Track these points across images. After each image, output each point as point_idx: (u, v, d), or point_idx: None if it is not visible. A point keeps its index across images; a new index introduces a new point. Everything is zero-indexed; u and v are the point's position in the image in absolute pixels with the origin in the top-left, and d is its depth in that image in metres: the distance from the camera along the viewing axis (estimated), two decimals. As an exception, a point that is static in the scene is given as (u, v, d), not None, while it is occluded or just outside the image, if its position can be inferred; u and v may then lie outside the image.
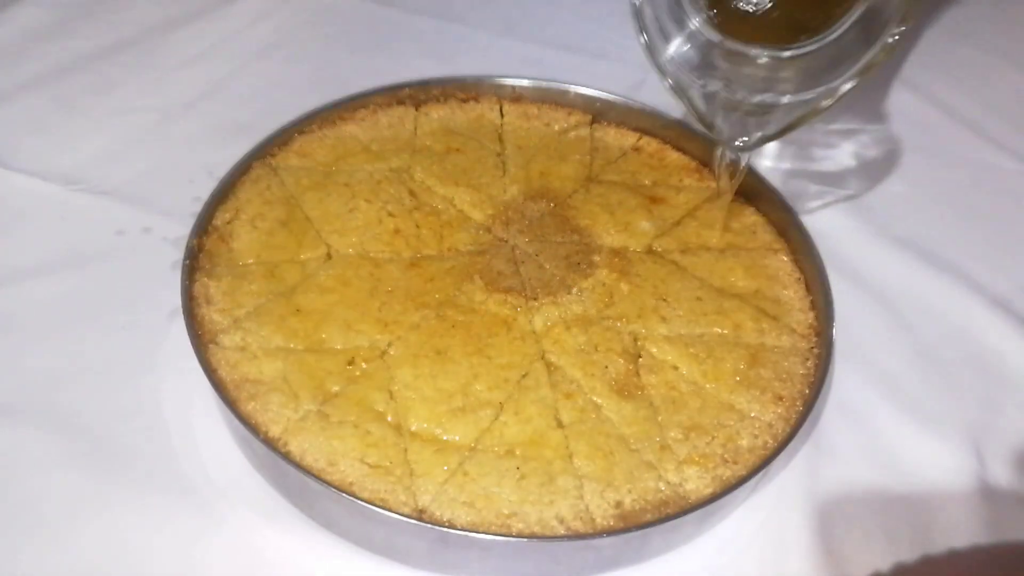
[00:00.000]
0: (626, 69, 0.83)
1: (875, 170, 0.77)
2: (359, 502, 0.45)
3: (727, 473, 0.50)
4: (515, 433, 0.50)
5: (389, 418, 0.50)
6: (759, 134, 0.56)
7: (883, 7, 0.50)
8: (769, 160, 0.76)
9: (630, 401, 0.52)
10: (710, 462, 0.50)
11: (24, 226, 0.65)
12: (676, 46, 0.55)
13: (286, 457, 0.47)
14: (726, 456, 0.50)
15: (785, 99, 0.54)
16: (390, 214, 0.61)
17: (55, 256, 0.63)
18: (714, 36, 0.54)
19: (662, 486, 0.49)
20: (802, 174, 0.76)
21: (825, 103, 0.52)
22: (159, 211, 0.66)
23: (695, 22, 0.54)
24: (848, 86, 0.50)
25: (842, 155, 0.78)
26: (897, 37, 0.48)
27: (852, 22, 0.51)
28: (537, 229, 0.62)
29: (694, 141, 0.68)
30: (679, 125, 0.69)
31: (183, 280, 0.54)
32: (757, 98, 0.54)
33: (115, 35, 0.82)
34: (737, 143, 0.57)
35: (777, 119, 0.55)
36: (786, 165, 0.76)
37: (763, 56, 0.54)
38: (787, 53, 0.53)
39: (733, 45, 0.54)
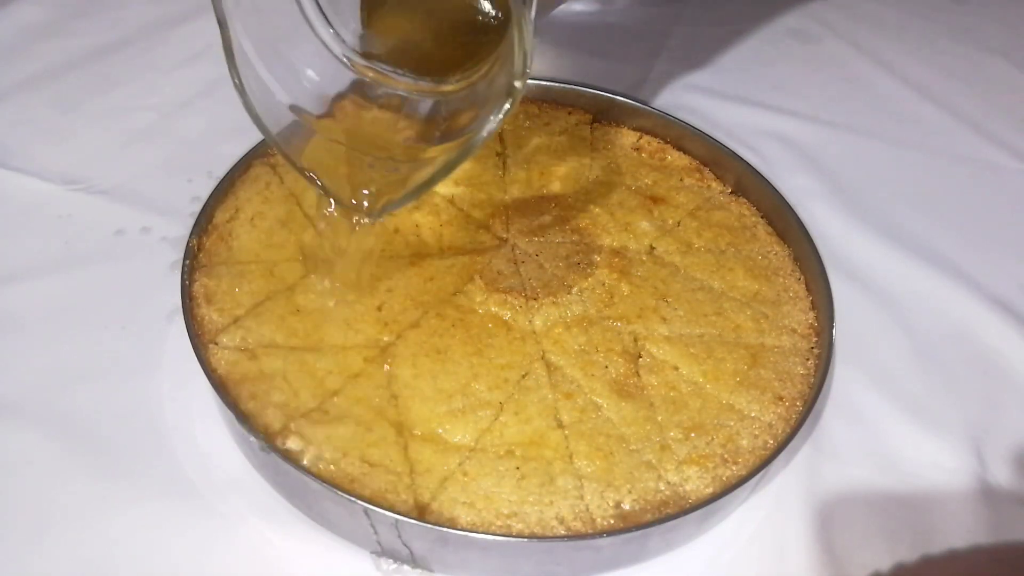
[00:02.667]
0: (626, 69, 0.83)
1: (875, 170, 0.77)
2: (359, 502, 0.45)
3: (727, 473, 0.50)
4: (515, 433, 0.50)
5: (389, 417, 0.50)
6: (385, 199, 0.49)
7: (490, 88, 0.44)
8: (768, 159, 0.76)
9: (630, 401, 0.52)
10: (710, 462, 0.50)
11: (22, 226, 0.64)
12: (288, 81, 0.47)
13: (286, 456, 0.47)
14: (726, 456, 0.50)
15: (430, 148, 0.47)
16: (390, 213, 0.61)
17: (53, 256, 0.62)
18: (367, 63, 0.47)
19: (662, 486, 0.49)
20: (802, 173, 0.76)
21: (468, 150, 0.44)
22: (158, 210, 0.66)
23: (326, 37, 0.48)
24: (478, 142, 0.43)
25: (842, 154, 0.78)
26: (492, 128, 0.42)
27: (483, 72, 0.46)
28: (537, 229, 0.62)
29: (695, 141, 0.68)
30: (680, 125, 0.69)
31: (182, 280, 0.54)
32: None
33: (113, 34, 0.81)
34: (363, 203, 0.49)
35: (415, 173, 0.48)
36: (785, 164, 0.76)
37: (400, 87, 0.48)
38: (427, 85, 0.48)
39: (374, 66, 0.48)
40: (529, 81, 0.66)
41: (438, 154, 0.48)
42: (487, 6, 0.48)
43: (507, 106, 0.41)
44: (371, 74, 0.50)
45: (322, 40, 0.48)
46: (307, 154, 0.50)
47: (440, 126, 0.50)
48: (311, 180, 0.49)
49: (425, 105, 0.50)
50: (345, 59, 0.49)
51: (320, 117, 0.49)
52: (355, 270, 0.55)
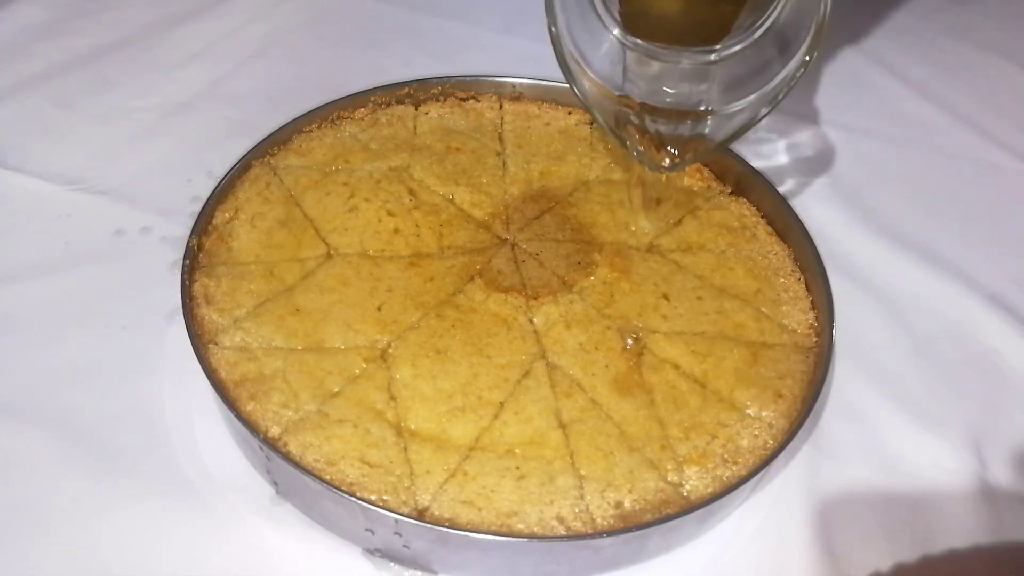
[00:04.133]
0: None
1: (875, 169, 0.77)
2: (359, 502, 0.45)
3: (727, 473, 0.50)
4: (515, 433, 0.50)
5: (389, 418, 0.50)
6: (691, 152, 0.55)
7: (796, 18, 0.49)
8: (768, 159, 0.76)
9: (630, 400, 0.52)
10: (710, 462, 0.50)
11: (22, 226, 0.64)
12: (597, 65, 0.53)
13: (286, 457, 0.47)
14: (726, 456, 0.50)
15: (727, 108, 0.53)
16: (389, 213, 0.61)
17: (53, 256, 0.63)
18: (636, 43, 0.53)
19: (662, 486, 0.49)
20: (802, 173, 0.76)
21: (763, 111, 0.51)
22: (158, 211, 0.66)
23: (615, 31, 0.53)
24: (783, 92, 0.49)
25: (842, 154, 0.78)
26: (815, 55, 0.47)
27: (768, 25, 0.50)
28: (537, 228, 0.62)
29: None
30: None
31: (182, 280, 0.54)
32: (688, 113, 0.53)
33: (113, 34, 0.82)
34: (665, 163, 0.56)
35: (713, 130, 0.54)
36: (785, 164, 0.76)
37: (684, 60, 0.53)
38: (713, 55, 0.52)
39: (653, 50, 0.53)
40: (539, 81, 0.69)
41: (730, 109, 0.54)
42: None
43: (811, 59, 0.47)
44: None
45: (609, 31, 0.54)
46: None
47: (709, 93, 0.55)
48: (623, 142, 0.56)
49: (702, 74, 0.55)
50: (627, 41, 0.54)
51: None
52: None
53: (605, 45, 0.54)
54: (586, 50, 0.53)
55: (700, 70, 0.54)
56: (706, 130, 0.55)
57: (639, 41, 0.53)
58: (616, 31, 0.53)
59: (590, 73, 0.54)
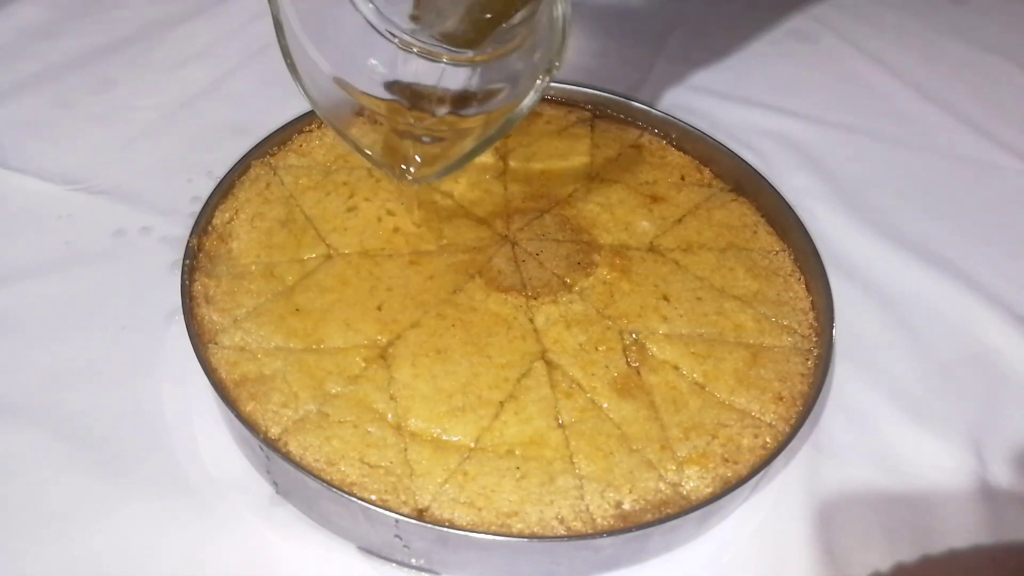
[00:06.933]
0: (626, 68, 0.83)
1: (876, 169, 0.77)
2: (359, 502, 0.45)
3: (727, 473, 0.50)
4: (515, 433, 0.50)
5: (389, 418, 0.50)
6: (438, 166, 0.51)
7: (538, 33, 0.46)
8: (768, 159, 0.76)
9: (630, 401, 0.52)
10: (710, 462, 0.50)
11: (22, 226, 0.64)
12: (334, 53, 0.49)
13: (286, 457, 0.47)
14: (726, 456, 0.50)
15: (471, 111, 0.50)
16: (389, 212, 0.61)
17: (53, 256, 0.62)
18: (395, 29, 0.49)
19: (662, 486, 0.49)
20: (802, 173, 0.76)
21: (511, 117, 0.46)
22: (158, 211, 0.66)
23: (367, 9, 0.49)
24: (526, 102, 0.45)
25: (842, 154, 0.78)
26: (546, 80, 0.44)
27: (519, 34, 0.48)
28: (537, 228, 0.62)
29: (695, 141, 0.68)
30: (680, 125, 0.69)
31: (182, 280, 0.54)
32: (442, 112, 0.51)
33: (113, 34, 0.81)
34: (409, 171, 0.52)
35: (462, 142, 0.50)
36: (786, 164, 0.76)
37: (443, 58, 0.50)
38: (469, 53, 0.50)
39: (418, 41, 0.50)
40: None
41: (475, 125, 0.51)
42: None
43: (546, 81, 0.44)
44: (412, 46, 0.52)
45: (363, 14, 0.51)
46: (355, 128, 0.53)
47: (475, 100, 0.53)
48: (360, 151, 0.53)
49: (458, 79, 0.53)
50: (386, 32, 0.51)
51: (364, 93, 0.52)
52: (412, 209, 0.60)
53: (347, 27, 0.50)
54: (322, 36, 0.49)
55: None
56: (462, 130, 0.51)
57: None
58: (369, 9, 0.50)
59: (325, 66, 0.50)
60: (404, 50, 0.51)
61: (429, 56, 0.52)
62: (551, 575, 0.49)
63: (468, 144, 0.49)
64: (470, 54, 0.51)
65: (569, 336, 0.55)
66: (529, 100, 0.45)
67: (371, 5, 0.50)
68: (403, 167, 0.53)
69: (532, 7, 0.48)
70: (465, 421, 0.50)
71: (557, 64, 0.43)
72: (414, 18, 0.51)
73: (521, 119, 0.46)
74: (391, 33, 0.51)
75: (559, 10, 0.42)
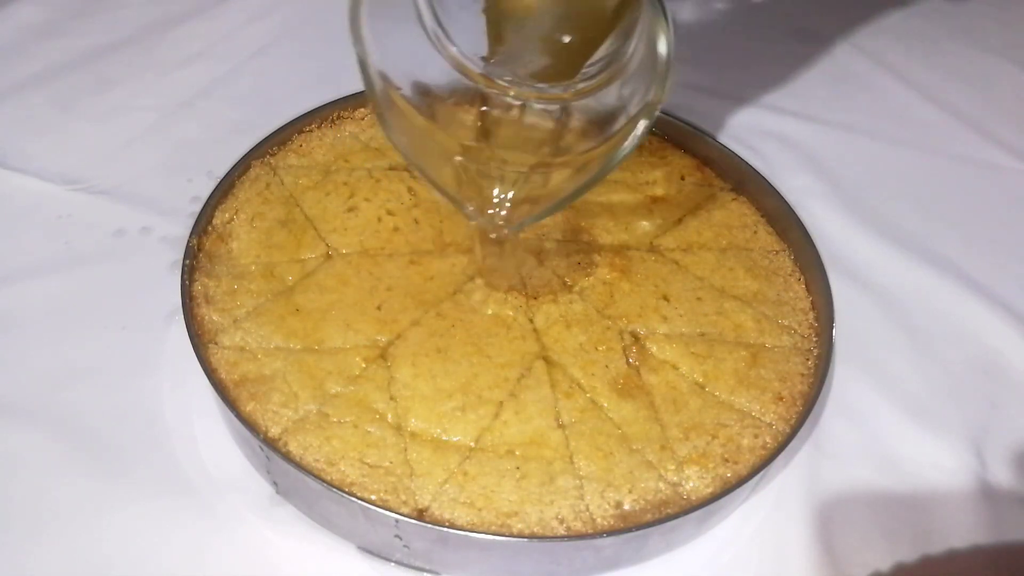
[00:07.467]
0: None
1: (875, 170, 0.77)
2: (359, 502, 0.45)
3: (727, 473, 0.50)
4: (515, 433, 0.50)
5: (389, 418, 0.50)
6: (527, 206, 0.49)
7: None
8: (769, 159, 0.76)
9: (630, 401, 0.52)
10: (710, 462, 0.50)
11: (22, 226, 0.64)
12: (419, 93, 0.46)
13: (286, 457, 0.47)
14: (726, 456, 0.50)
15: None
16: (389, 212, 0.61)
17: (53, 256, 0.62)
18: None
19: (662, 486, 0.49)
20: (803, 173, 0.75)
21: (625, 146, 0.44)
22: (158, 211, 0.66)
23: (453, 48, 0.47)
24: (643, 123, 0.43)
25: (843, 154, 0.78)
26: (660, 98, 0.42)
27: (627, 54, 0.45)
28: (537, 227, 0.62)
29: (695, 141, 0.68)
30: (680, 125, 0.69)
31: (182, 280, 0.54)
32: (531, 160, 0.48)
33: (113, 34, 0.81)
34: (501, 219, 0.49)
35: (559, 185, 0.47)
36: (786, 164, 0.76)
37: (533, 100, 0.47)
38: (565, 90, 0.47)
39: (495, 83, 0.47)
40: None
41: (572, 162, 0.49)
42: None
43: (651, 122, 0.42)
44: (491, 85, 0.49)
45: (449, 58, 0.48)
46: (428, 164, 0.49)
47: (565, 136, 0.50)
48: (445, 194, 0.49)
49: (549, 114, 0.50)
50: (465, 66, 0.49)
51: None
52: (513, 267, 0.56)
53: (434, 68, 0.47)
54: (410, 75, 0.46)
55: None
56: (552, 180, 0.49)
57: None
58: (454, 49, 0.47)
59: (414, 106, 0.46)
60: (491, 91, 0.49)
61: (518, 97, 0.49)
62: (551, 575, 0.49)
63: (569, 187, 0.47)
64: (559, 91, 0.48)
65: (569, 336, 0.55)
66: (632, 140, 0.43)
67: (455, 49, 0.48)
68: (491, 210, 0.50)
69: (618, 34, 0.46)
70: (465, 421, 0.50)
71: (660, 102, 0.42)
72: (488, 59, 0.48)
73: (624, 159, 0.44)
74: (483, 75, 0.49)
75: (663, 47, 0.40)
